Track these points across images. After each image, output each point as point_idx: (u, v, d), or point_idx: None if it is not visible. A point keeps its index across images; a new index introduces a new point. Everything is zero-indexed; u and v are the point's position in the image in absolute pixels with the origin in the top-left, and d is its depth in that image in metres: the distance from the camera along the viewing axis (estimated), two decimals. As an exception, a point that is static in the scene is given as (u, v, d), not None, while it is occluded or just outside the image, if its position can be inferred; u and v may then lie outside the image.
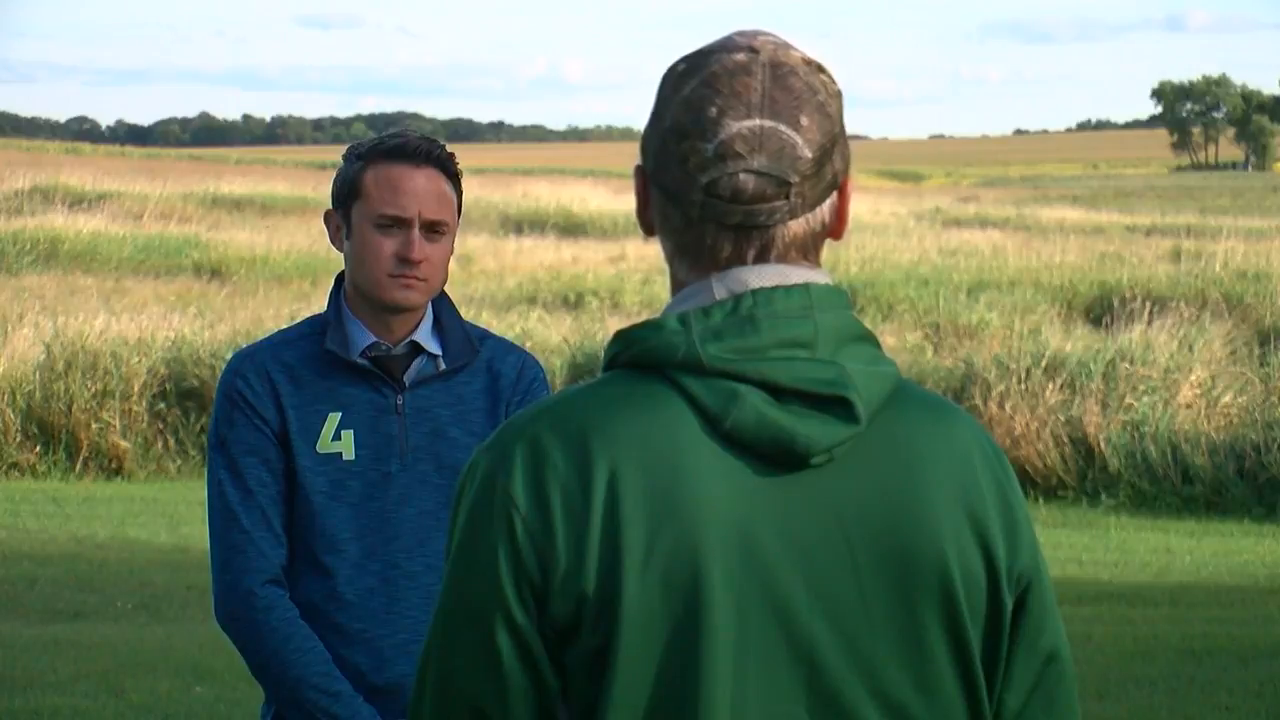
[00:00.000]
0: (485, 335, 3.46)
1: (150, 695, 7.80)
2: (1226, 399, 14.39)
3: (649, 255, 28.08)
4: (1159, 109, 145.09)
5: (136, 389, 14.82)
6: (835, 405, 1.81)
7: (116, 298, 21.86)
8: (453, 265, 3.40)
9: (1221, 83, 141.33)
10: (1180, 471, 13.69)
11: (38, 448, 14.68)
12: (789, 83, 1.85)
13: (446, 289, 3.44)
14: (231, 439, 3.31)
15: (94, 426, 14.66)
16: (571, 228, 37.04)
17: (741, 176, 1.83)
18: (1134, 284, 21.90)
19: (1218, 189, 71.09)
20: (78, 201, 34.02)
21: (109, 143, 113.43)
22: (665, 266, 1.92)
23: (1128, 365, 14.74)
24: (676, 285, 1.90)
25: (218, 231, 32.22)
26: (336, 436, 3.32)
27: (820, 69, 1.88)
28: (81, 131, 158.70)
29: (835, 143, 1.87)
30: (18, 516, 12.51)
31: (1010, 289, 22.84)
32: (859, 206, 42.07)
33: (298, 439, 3.31)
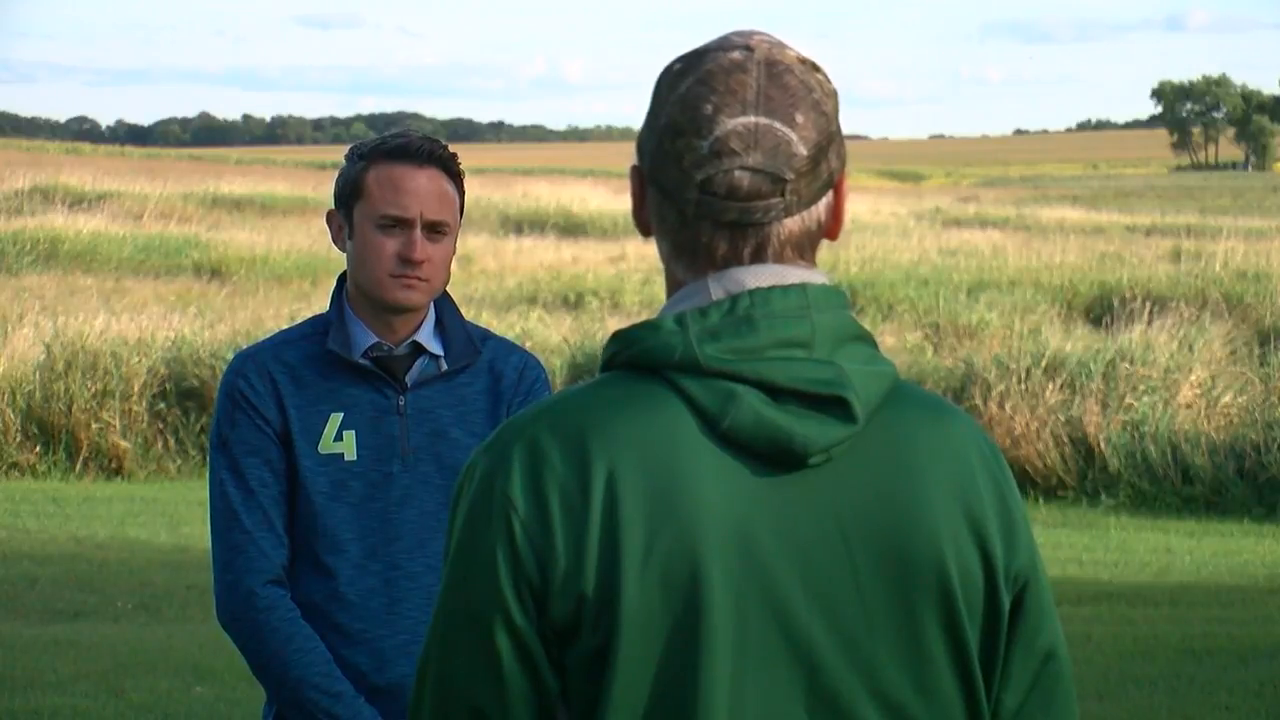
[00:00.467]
0: (487, 336, 3.46)
1: (150, 695, 7.80)
2: (1226, 399, 14.40)
3: (649, 255, 28.06)
4: (1159, 109, 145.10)
5: (136, 389, 14.82)
6: (833, 405, 1.81)
7: (116, 298, 21.85)
8: (453, 265, 3.40)
9: (1221, 83, 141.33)
10: (1180, 471, 13.70)
11: (38, 448, 14.68)
12: (784, 81, 1.85)
13: (447, 289, 3.44)
14: (233, 439, 3.32)
15: (94, 426, 14.66)
16: (571, 228, 37.03)
17: (736, 173, 1.83)
18: (1134, 284, 21.90)
19: (1218, 189, 71.08)
20: (78, 201, 34.01)
21: (109, 143, 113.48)
22: (662, 267, 1.92)
23: (1128, 365, 14.74)
24: (673, 285, 1.89)
25: (218, 231, 32.21)
26: (338, 437, 3.32)
27: (816, 68, 1.88)
28: (81, 131, 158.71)
29: (831, 141, 1.87)
30: (18, 516, 12.52)
31: (1010, 289, 22.85)
32: (859, 206, 42.09)
33: (299, 439, 3.31)
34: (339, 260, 3.44)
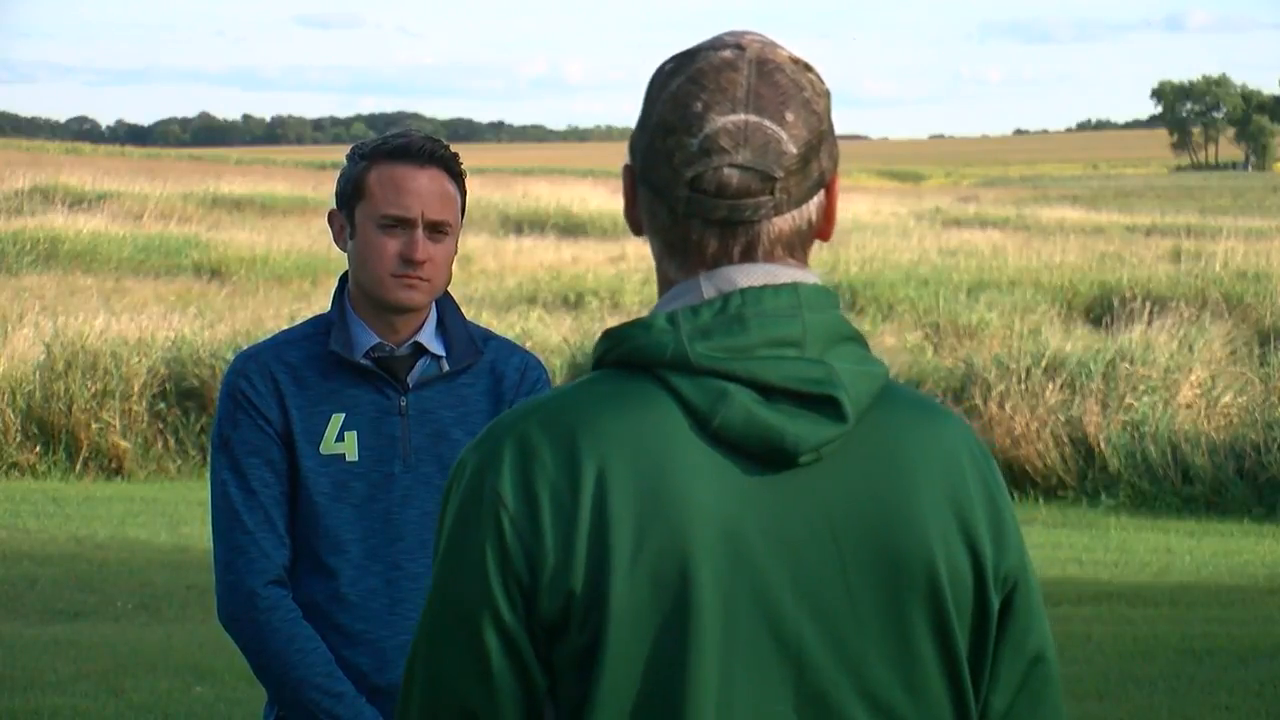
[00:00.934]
0: (489, 336, 3.46)
1: (150, 695, 7.80)
2: (1226, 399, 14.40)
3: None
4: (1159, 109, 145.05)
5: (136, 389, 14.82)
6: (824, 404, 1.81)
7: (116, 298, 21.86)
8: (454, 265, 3.40)
9: (1221, 83, 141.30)
10: (1180, 471, 13.70)
11: (38, 448, 14.68)
12: (775, 79, 1.85)
13: (448, 289, 3.44)
14: (235, 439, 3.31)
15: (94, 426, 14.66)
16: (571, 228, 37.03)
17: (726, 171, 1.83)
18: (1134, 284, 21.90)
19: (1218, 189, 71.04)
20: (78, 201, 34.01)
21: (109, 143, 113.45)
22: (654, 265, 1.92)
23: (1128, 365, 14.74)
24: (665, 284, 1.89)
25: (218, 231, 32.20)
26: (340, 437, 3.32)
27: (807, 67, 1.89)
28: (81, 131, 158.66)
29: (822, 140, 1.87)
30: (18, 516, 12.51)
31: (1010, 289, 22.84)
32: (859, 206, 42.10)
33: (301, 439, 3.31)
34: (339, 260, 3.44)
